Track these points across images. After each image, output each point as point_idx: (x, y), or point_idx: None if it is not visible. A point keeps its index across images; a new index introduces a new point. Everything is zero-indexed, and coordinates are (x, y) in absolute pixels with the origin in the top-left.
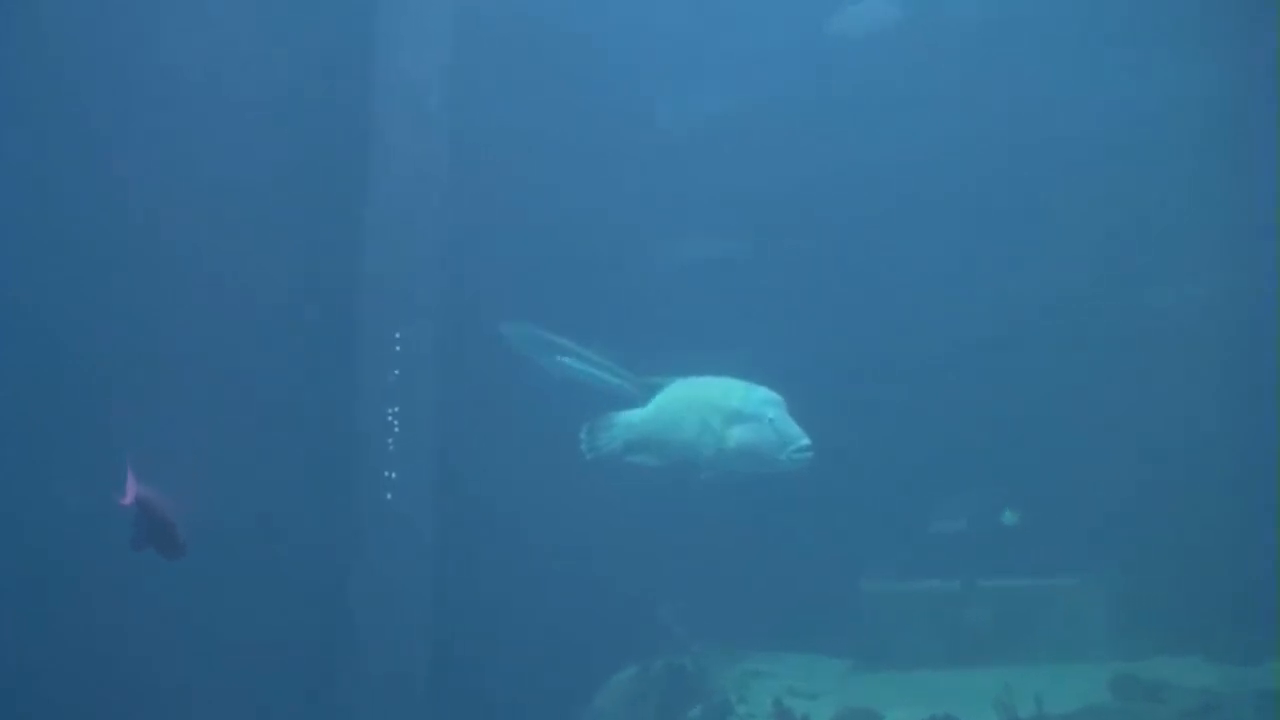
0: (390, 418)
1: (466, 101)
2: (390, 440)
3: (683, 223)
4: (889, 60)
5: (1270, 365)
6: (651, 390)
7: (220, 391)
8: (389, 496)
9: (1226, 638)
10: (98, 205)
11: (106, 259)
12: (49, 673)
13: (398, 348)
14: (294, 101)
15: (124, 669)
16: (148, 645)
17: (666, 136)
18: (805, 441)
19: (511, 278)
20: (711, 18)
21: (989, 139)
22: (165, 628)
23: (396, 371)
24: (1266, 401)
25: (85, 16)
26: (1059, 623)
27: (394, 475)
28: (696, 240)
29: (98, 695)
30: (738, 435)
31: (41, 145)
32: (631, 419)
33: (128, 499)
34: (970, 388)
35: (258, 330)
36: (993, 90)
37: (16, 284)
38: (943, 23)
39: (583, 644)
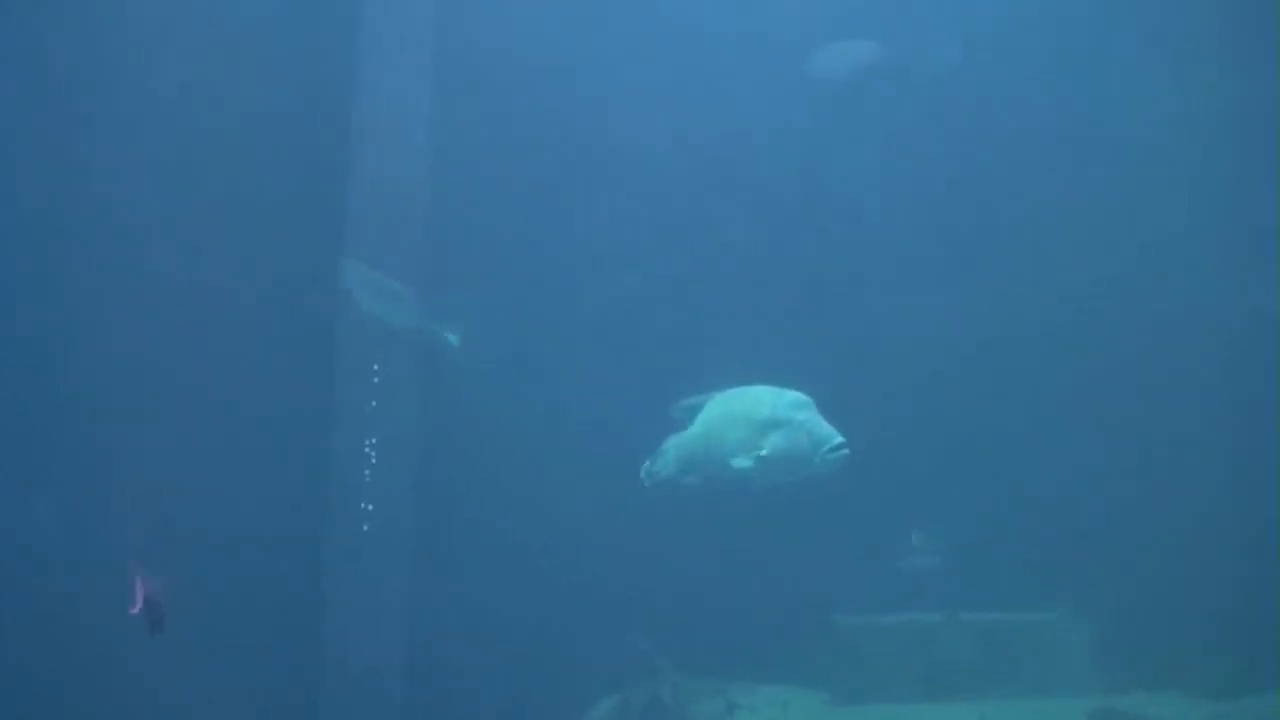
0: (368, 449)
1: (447, 130)
2: (367, 472)
3: (650, 252)
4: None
5: (1262, 397)
6: (691, 411)
7: (196, 423)
8: (365, 528)
9: (1203, 672)
10: (74, 233)
11: (76, 291)
12: (25, 685)
13: (376, 379)
14: (269, 139)
15: (95, 691)
16: (117, 674)
17: (643, 166)
18: (839, 440)
19: (494, 307)
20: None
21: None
22: (138, 659)
23: (374, 403)
24: (1247, 434)
25: (71, 33)
26: (1038, 656)
27: (371, 507)
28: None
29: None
30: (773, 443)
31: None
32: (681, 441)
33: (137, 607)
34: (946, 423)
35: (234, 360)
36: (973, 133)
37: None
38: (925, 63)
39: (562, 675)
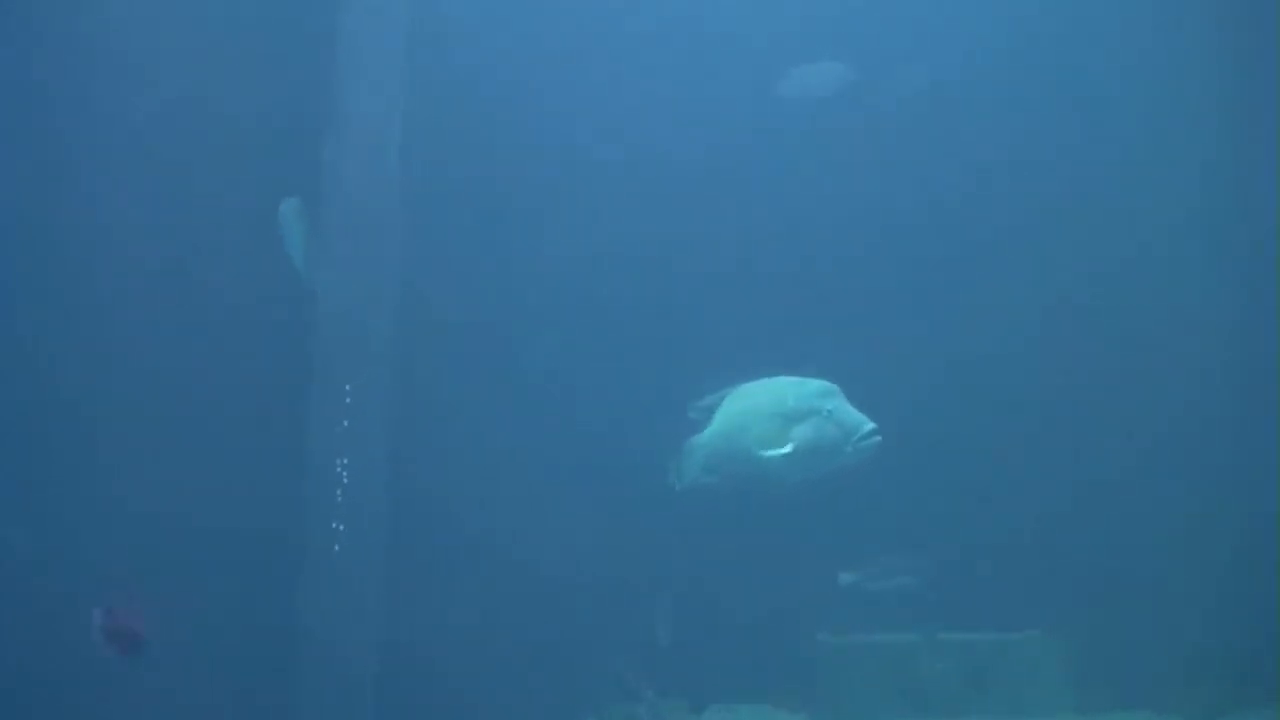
0: (340, 469)
1: (423, 147)
2: (339, 492)
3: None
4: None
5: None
6: (708, 411)
7: (164, 444)
8: (336, 548)
9: (1181, 693)
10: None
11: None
12: None
13: (348, 399)
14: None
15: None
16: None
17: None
18: (870, 426)
19: (469, 328)
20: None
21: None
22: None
23: (346, 422)
24: (1231, 450)
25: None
26: (1017, 676)
27: (342, 528)
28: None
29: None
30: (799, 435)
31: None
32: (702, 440)
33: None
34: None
35: (203, 379)
36: (946, 153)
37: None
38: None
39: (537, 694)
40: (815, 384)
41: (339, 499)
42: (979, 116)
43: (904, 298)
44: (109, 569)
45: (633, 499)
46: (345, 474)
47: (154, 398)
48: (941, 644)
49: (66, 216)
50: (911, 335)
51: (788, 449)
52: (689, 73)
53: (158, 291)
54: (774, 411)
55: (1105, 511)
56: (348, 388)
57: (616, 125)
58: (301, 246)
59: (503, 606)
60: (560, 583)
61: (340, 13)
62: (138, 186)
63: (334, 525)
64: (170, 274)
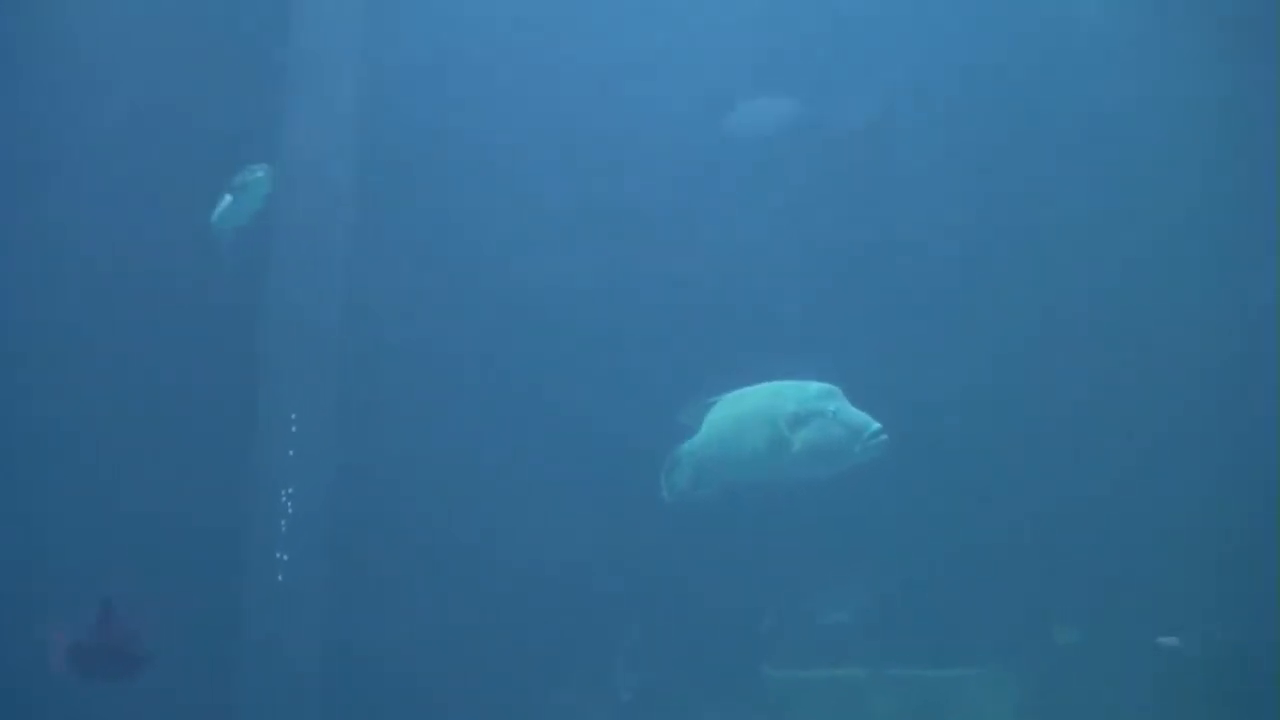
0: (285, 499)
1: (371, 172)
2: (283, 522)
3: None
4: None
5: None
6: (696, 416)
7: (108, 475)
8: (280, 578)
9: None
10: None
11: None
12: None
13: (294, 429)
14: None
15: None
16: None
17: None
18: (877, 426)
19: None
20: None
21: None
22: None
23: (291, 452)
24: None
25: None
26: (965, 712)
27: (286, 557)
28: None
29: None
30: (803, 438)
31: None
32: (690, 449)
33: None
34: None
35: (148, 408)
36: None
37: None
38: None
39: None
40: (816, 386)
41: (283, 529)
42: (951, 133)
43: (868, 322)
44: (46, 595)
45: (596, 518)
46: (290, 504)
47: (98, 427)
48: (890, 680)
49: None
50: (866, 367)
51: (790, 452)
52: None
53: (99, 319)
54: (774, 416)
55: (1062, 547)
56: (294, 416)
57: (587, 125)
58: (248, 214)
59: (450, 638)
60: (509, 616)
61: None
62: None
63: (278, 555)
64: (112, 301)
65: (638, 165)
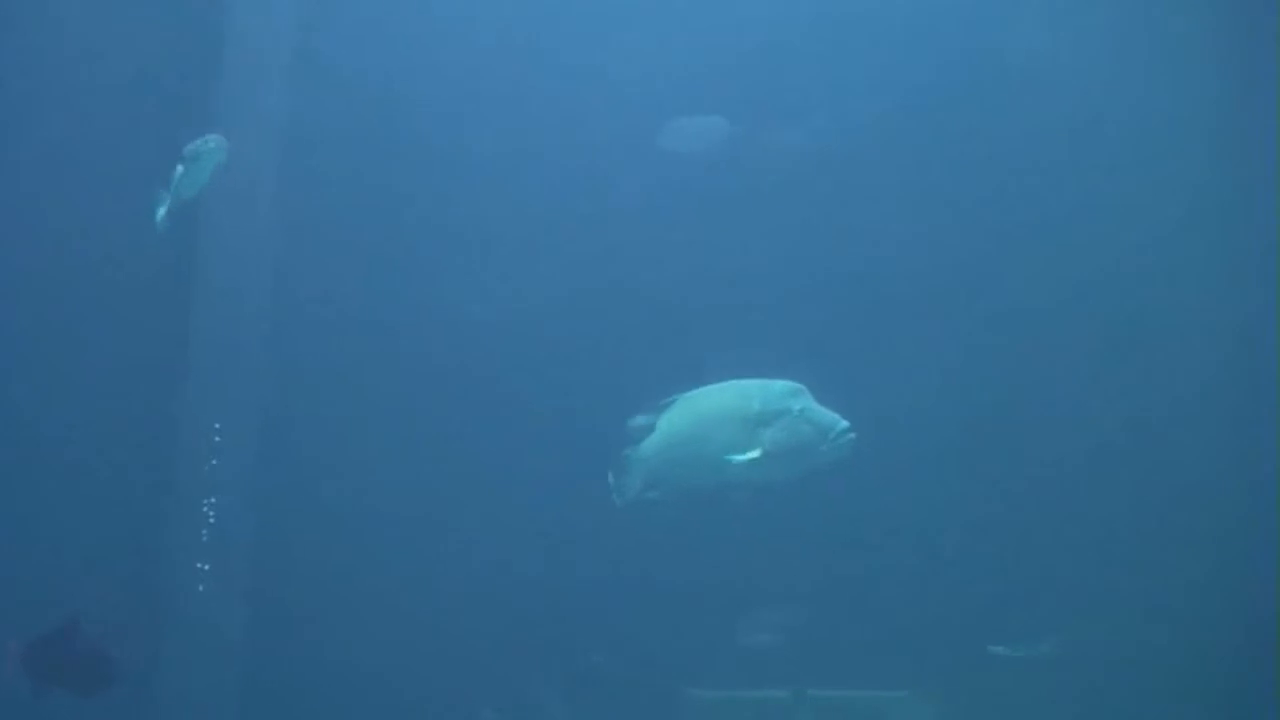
0: (206, 509)
1: (298, 186)
2: (204, 532)
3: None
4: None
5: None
6: (652, 418)
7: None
8: (200, 589)
9: None
10: None
11: None
12: None
13: (217, 438)
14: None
15: None
16: None
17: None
18: (845, 424)
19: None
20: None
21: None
22: None
23: (214, 461)
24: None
25: None
26: None
27: (207, 568)
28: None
29: None
30: (770, 438)
31: None
32: (645, 451)
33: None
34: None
35: (67, 418)
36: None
37: None
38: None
39: None
40: (781, 384)
41: (205, 539)
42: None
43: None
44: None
45: (529, 531)
46: (212, 514)
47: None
48: (813, 701)
49: None
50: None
51: (757, 453)
52: None
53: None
54: (740, 415)
55: (993, 566)
56: (217, 426)
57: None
58: (198, 186)
59: (372, 649)
60: (435, 627)
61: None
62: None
63: (199, 565)
64: (32, 303)
65: (590, 170)
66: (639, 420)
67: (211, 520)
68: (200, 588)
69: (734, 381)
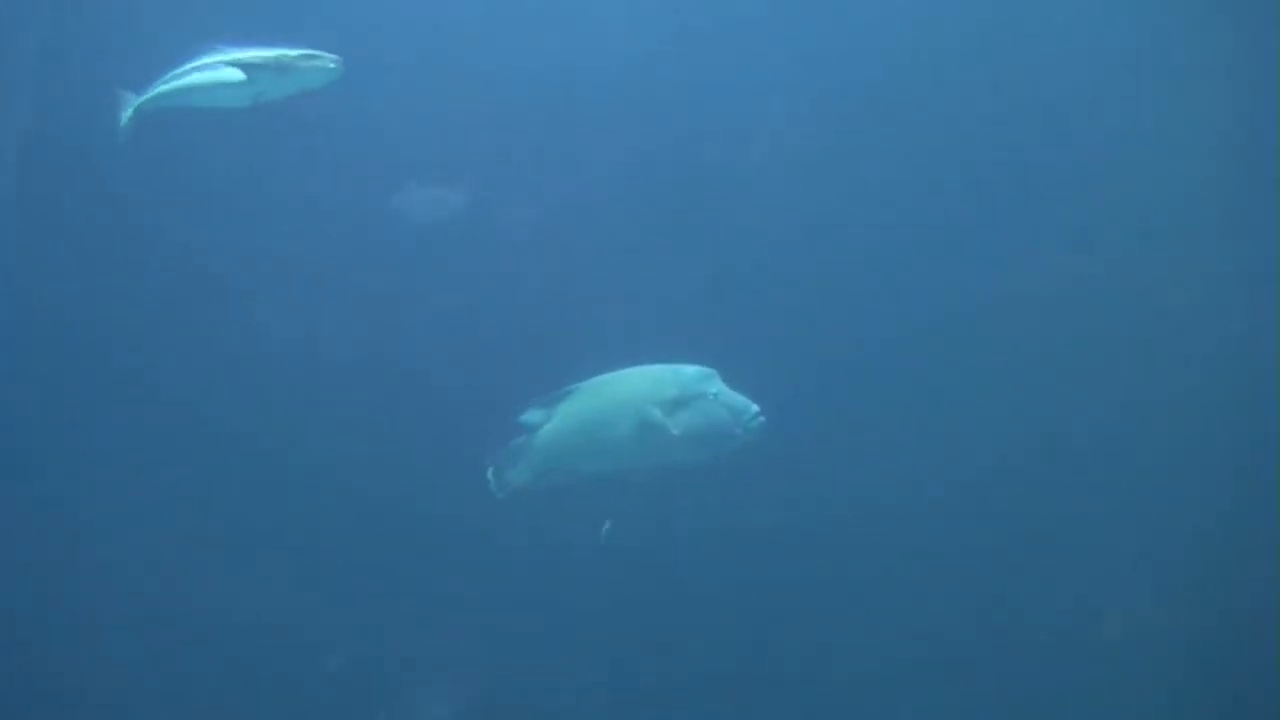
0: None
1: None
2: None
3: None
4: None
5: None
6: (551, 405)
7: None
8: None
9: None
10: None
11: None
12: None
13: None
14: None
15: None
16: None
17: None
18: (756, 408)
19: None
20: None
21: None
22: None
23: None
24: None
25: None
26: None
27: None
28: None
29: None
30: (685, 421)
31: None
32: (542, 440)
33: None
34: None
35: None
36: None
37: None
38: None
39: None
40: (692, 369)
41: None
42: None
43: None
44: None
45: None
46: None
47: None
48: None
49: None
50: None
51: (675, 434)
52: None
53: None
54: (652, 399)
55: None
56: None
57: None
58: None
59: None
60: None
61: None
62: None
63: None
64: None
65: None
66: (531, 415)
67: None
68: None
69: (640, 368)
